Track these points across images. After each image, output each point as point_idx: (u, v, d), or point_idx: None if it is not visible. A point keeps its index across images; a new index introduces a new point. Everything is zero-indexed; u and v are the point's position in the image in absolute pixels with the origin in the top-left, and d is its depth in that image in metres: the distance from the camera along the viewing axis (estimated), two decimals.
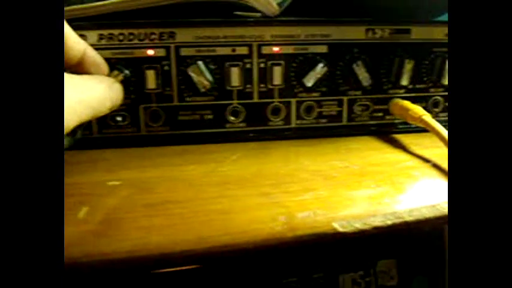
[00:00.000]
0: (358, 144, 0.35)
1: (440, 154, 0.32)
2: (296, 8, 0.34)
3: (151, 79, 0.33)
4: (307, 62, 0.34)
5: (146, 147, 0.34)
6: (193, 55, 0.33)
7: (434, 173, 0.30)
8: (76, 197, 0.26)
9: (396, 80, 0.36)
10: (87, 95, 0.26)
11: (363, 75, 0.35)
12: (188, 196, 0.27)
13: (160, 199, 0.27)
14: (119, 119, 0.34)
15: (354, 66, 0.34)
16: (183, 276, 0.34)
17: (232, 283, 0.36)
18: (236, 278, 0.36)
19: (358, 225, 0.26)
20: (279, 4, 0.35)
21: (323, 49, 0.35)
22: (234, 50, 0.34)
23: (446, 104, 0.38)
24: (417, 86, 0.37)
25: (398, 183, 0.29)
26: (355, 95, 0.36)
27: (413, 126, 0.36)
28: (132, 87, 0.33)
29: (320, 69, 0.34)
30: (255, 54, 0.34)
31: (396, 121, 0.37)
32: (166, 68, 0.33)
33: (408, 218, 0.27)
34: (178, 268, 0.34)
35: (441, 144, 0.31)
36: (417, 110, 0.34)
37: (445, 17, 0.44)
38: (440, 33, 0.37)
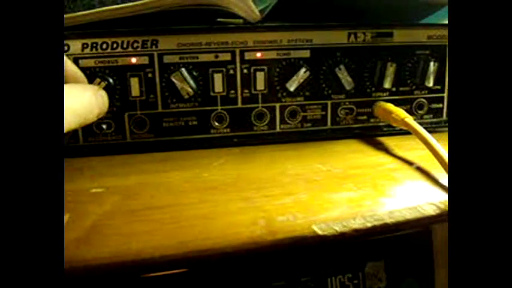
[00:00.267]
0: (342, 147, 0.35)
1: (423, 156, 0.32)
2: (278, 14, 0.34)
3: (135, 87, 0.33)
4: (290, 67, 0.35)
5: (132, 154, 0.35)
6: (177, 62, 0.34)
7: (416, 174, 0.31)
8: None
9: (379, 83, 0.36)
10: (74, 103, 0.27)
11: (345, 79, 0.35)
12: (170, 202, 0.27)
13: (142, 205, 0.27)
14: (104, 126, 0.34)
15: (337, 70, 0.35)
16: (172, 280, 0.35)
17: (220, 287, 0.36)
18: (224, 282, 0.36)
19: (338, 228, 0.26)
20: (261, 10, 0.35)
21: (306, 54, 0.35)
22: (217, 57, 0.34)
23: (431, 106, 0.39)
24: (401, 89, 0.38)
25: (380, 185, 0.29)
26: (339, 98, 0.37)
27: (397, 128, 0.36)
28: (116, 95, 0.33)
29: (302, 74, 0.34)
30: (238, 60, 0.34)
31: (380, 124, 0.38)
32: (150, 75, 0.34)
33: (389, 220, 0.27)
34: (166, 272, 0.35)
35: (424, 146, 0.31)
36: (400, 112, 0.34)
37: (428, 20, 0.44)
38: (423, 36, 0.37)
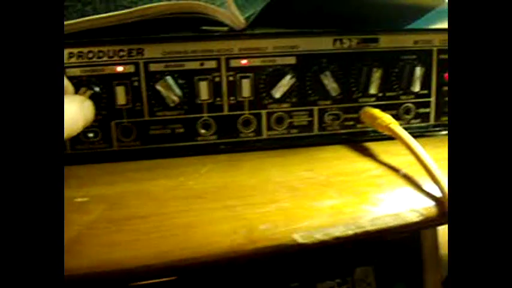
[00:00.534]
0: (328, 153, 0.36)
1: (407, 162, 0.32)
2: (263, 21, 0.35)
3: (121, 95, 0.34)
4: (276, 74, 0.35)
5: (118, 162, 0.35)
6: (162, 70, 0.34)
7: (400, 181, 0.31)
8: None
9: (365, 89, 0.36)
10: None
11: (331, 85, 0.35)
12: (152, 211, 0.27)
13: (125, 214, 0.27)
14: (90, 135, 0.34)
15: (322, 76, 0.35)
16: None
17: None
18: None
19: (319, 236, 0.26)
20: (247, 18, 0.36)
21: (291, 60, 0.35)
22: (202, 64, 0.34)
23: (418, 110, 0.39)
24: (388, 94, 0.38)
25: (362, 192, 0.29)
26: (325, 104, 0.37)
27: (384, 134, 0.36)
28: (103, 103, 0.34)
29: (288, 80, 0.34)
30: (223, 68, 0.35)
31: (368, 129, 0.38)
32: (135, 83, 0.34)
33: (370, 228, 0.27)
34: (155, 280, 0.35)
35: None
36: (385, 118, 0.34)
37: (414, 25, 0.44)
38: (408, 41, 0.37)
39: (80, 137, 0.34)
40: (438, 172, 0.29)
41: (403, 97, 0.38)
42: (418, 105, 0.39)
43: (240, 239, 0.25)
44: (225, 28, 0.35)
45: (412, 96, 0.38)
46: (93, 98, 0.32)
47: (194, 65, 0.34)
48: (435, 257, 0.40)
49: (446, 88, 0.39)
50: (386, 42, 0.37)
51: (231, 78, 0.35)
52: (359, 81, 0.36)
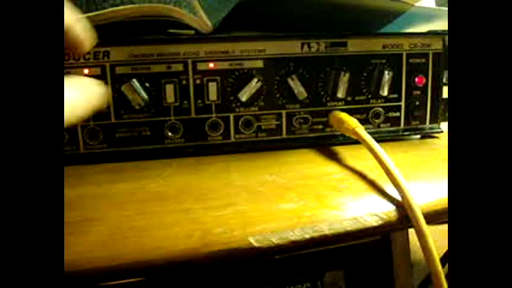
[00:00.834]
0: (295, 157, 0.35)
1: (371, 165, 0.32)
2: (230, 25, 0.35)
3: None
4: (243, 77, 0.35)
5: (85, 165, 0.35)
6: (129, 73, 0.34)
7: (361, 185, 0.31)
8: None
9: (333, 93, 0.36)
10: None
11: (298, 89, 0.35)
12: (109, 214, 0.27)
13: (81, 217, 0.27)
14: None
15: (289, 80, 0.35)
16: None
17: None
18: None
19: (274, 240, 0.26)
20: (219, 21, 0.36)
21: (258, 64, 0.35)
22: (169, 67, 0.34)
23: (388, 114, 0.39)
24: (357, 98, 0.38)
25: (322, 196, 0.29)
26: (293, 108, 0.37)
27: (353, 137, 0.36)
28: None
29: (254, 84, 0.34)
30: (190, 71, 0.35)
31: (336, 133, 0.38)
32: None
33: (328, 232, 0.27)
34: (122, 281, 0.35)
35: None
36: (351, 122, 0.34)
37: (383, 30, 0.44)
38: (378, 45, 0.37)
39: None
40: (399, 176, 0.29)
41: (372, 101, 0.38)
42: (388, 109, 0.39)
43: (194, 242, 0.25)
44: (192, 31, 0.35)
45: (382, 100, 0.38)
46: None
47: (161, 68, 0.34)
48: (406, 260, 0.40)
49: (416, 92, 0.39)
50: (355, 46, 0.37)
51: (198, 82, 0.35)
52: (327, 85, 0.36)
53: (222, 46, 0.35)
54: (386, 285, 0.40)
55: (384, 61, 0.37)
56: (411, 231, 0.41)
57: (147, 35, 0.34)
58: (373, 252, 0.40)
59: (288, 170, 0.33)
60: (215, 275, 0.37)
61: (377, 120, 0.38)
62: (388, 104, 0.38)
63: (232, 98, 0.35)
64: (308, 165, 0.34)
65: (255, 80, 0.34)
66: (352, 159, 0.34)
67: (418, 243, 0.28)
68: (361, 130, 0.33)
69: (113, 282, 0.32)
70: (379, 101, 0.38)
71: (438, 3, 0.73)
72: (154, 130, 0.35)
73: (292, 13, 0.37)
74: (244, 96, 0.34)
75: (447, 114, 0.41)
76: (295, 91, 0.35)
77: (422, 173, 0.33)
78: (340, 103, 0.37)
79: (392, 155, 0.31)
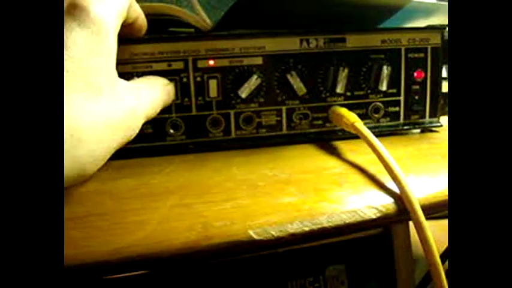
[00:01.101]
0: (295, 152, 0.36)
1: (370, 160, 0.32)
2: (230, 22, 0.35)
3: None
4: (243, 74, 0.35)
5: None
6: (130, 72, 0.34)
7: (360, 178, 0.31)
8: None
9: (332, 88, 0.36)
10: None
11: (297, 85, 0.35)
12: (112, 209, 0.28)
13: (85, 212, 0.27)
14: None
15: (288, 76, 0.35)
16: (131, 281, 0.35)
17: None
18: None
19: (274, 233, 0.26)
20: (219, 19, 0.36)
21: (258, 61, 0.36)
22: (170, 65, 0.35)
23: (387, 109, 0.39)
24: (356, 93, 0.38)
25: (322, 189, 0.30)
26: (293, 104, 0.37)
27: (352, 132, 0.36)
28: None
29: (254, 81, 0.35)
30: (190, 69, 0.35)
31: (336, 128, 0.38)
32: None
33: (327, 224, 0.27)
34: (125, 274, 0.35)
35: None
36: (350, 117, 0.35)
37: (381, 25, 0.45)
38: (376, 41, 0.38)
39: None
40: (398, 170, 0.29)
41: (371, 96, 0.38)
42: (387, 104, 0.39)
43: (194, 235, 0.26)
44: (192, 29, 0.36)
45: (381, 95, 0.38)
46: None
47: (162, 66, 0.35)
48: (408, 254, 0.41)
49: (415, 87, 0.39)
50: (354, 41, 0.37)
51: (198, 79, 0.35)
52: (326, 80, 0.37)
53: (222, 43, 0.35)
54: (388, 279, 0.41)
55: (382, 56, 0.38)
56: (413, 226, 0.41)
57: (147, 34, 0.34)
58: (374, 246, 0.40)
59: (288, 164, 0.33)
60: (217, 269, 0.38)
61: (376, 115, 0.39)
62: (387, 99, 0.39)
63: (232, 94, 0.36)
64: (308, 159, 0.34)
65: (255, 76, 0.35)
66: (352, 153, 0.35)
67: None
68: (360, 125, 0.33)
69: (116, 276, 0.33)
70: (379, 96, 0.38)
71: None
72: (156, 127, 0.36)
73: (291, 9, 0.37)
74: (244, 92, 0.35)
75: (446, 109, 0.41)
76: (295, 87, 0.35)
77: (421, 167, 0.33)
78: (339, 98, 0.38)
79: (392, 149, 0.31)
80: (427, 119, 0.40)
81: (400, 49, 0.38)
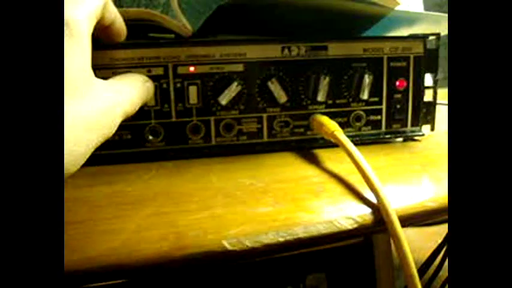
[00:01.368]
0: (275, 160, 0.36)
1: (350, 169, 0.32)
2: (211, 28, 0.35)
3: None
4: (223, 81, 0.35)
5: None
6: (109, 77, 0.34)
7: (338, 188, 0.31)
8: None
9: (313, 96, 0.36)
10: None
11: (278, 92, 0.35)
12: (85, 217, 0.27)
13: None
14: None
15: (269, 83, 0.35)
16: None
17: None
18: None
19: (248, 243, 0.26)
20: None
21: (239, 68, 0.35)
22: (149, 71, 0.34)
23: (369, 118, 0.39)
24: (337, 101, 0.38)
25: (299, 199, 0.29)
26: (274, 111, 0.37)
27: (332, 141, 0.36)
28: None
29: (234, 87, 0.35)
30: (170, 75, 0.35)
31: (317, 136, 0.38)
32: None
33: (302, 235, 0.27)
34: (97, 284, 0.35)
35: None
36: (330, 125, 0.35)
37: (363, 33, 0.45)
38: (358, 49, 0.37)
39: None
40: (375, 180, 0.29)
41: (353, 104, 0.38)
42: (369, 112, 0.39)
43: (168, 245, 0.25)
44: (172, 35, 0.35)
45: (363, 104, 0.38)
46: None
47: (141, 72, 0.34)
48: (388, 263, 0.40)
49: (397, 96, 0.39)
50: (336, 50, 0.37)
51: (178, 85, 0.35)
52: (307, 88, 0.37)
53: (203, 50, 0.35)
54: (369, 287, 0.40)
55: (364, 65, 0.38)
56: None
57: (127, 39, 0.34)
58: (355, 255, 0.40)
59: (267, 173, 0.33)
60: (192, 280, 0.37)
61: (358, 124, 0.39)
62: (369, 108, 0.39)
63: (212, 101, 0.36)
64: (287, 168, 0.34)
65: (235, 83, 0.34)
66: (331, 162, 0.35)
67: None
68: (339, 134, 0.33)
69: (89, 286, 0.32)
70: (360, 104, 0.38)
71: (427, 6, 0.73)
72: (135, 134, 0.35)
73: (274, 16, 0.37)
74: (224, 99, 0.34)
75: (429, 117, 0.41)
76: (276, 94, 0.35)
77: (400, 177, 0.33)
78: (320, 106, 0.37)
79: (373, 158, 0.31)
80: (409, 127, 0.40)
81: (382, 58, 0.38)
